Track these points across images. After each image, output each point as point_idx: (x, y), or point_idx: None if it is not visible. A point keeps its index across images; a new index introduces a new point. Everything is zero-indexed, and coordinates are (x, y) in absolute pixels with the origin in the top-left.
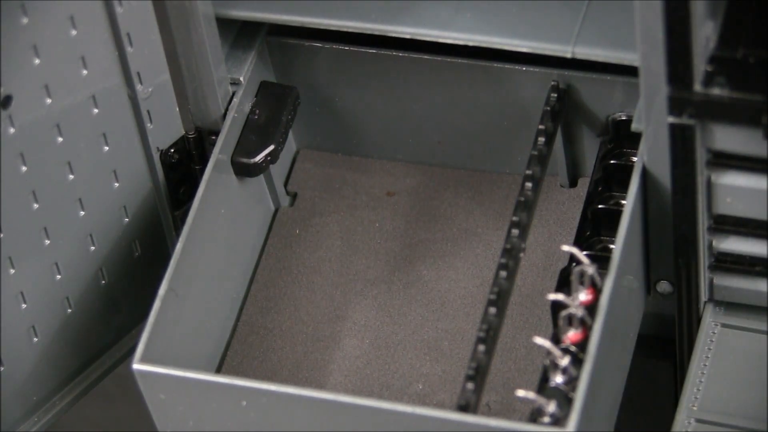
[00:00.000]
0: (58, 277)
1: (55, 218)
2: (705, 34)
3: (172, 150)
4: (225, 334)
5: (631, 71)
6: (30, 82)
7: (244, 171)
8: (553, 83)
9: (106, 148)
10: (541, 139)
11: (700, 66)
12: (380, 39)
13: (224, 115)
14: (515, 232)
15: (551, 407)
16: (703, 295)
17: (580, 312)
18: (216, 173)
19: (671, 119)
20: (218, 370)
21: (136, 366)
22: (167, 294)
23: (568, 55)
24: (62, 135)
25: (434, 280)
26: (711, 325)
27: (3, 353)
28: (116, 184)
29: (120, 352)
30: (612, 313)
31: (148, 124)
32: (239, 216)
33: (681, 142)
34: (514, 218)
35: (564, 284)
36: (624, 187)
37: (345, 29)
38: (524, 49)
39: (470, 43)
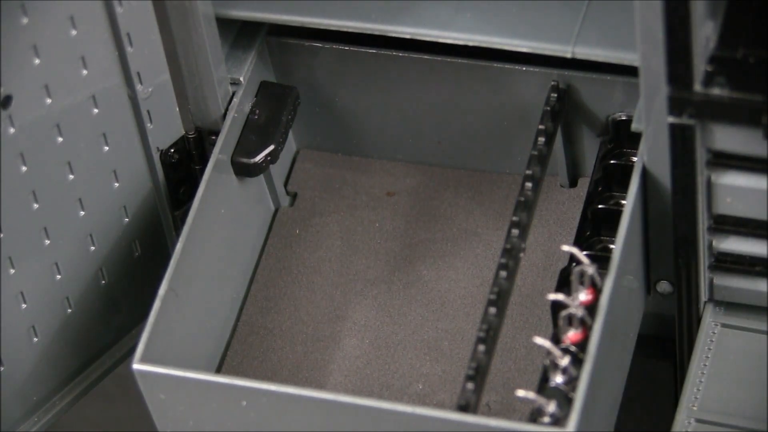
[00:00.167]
0: (58, 277)
1: (55, 218)
2: (705, 34)
3: (172, 150)
4: (225, 334)
5: (631, 71)
6: (30, 82)
7: (244, 171)
8: (553, 83)
9: (106, 148)
10: (541, 139)
11: (700, 66)
12: (380, 39)
13: (224, 115)
14: (515, 232)
15: (551, 407)
16: (703, 295)
17: (580, 312)
18: (216, 173)
19: (671, 119)
20: (218, 370)
21: (136, 366)
22: (167, 294)
23: (568, 55)
24: (62, 135)
25: (434, 280)
26: (711, 325)
27: (3, 353)
28: (116, 184)
29: (120, 352)
30: (612, 313)
31: (148, 124)
32: (239, 216)
33: (681, 142)
34: (514, 218)
35: (564, 284)
36: (624, 187)
37: (345, 29)
38: (524, 49)
39: (470, 43)
